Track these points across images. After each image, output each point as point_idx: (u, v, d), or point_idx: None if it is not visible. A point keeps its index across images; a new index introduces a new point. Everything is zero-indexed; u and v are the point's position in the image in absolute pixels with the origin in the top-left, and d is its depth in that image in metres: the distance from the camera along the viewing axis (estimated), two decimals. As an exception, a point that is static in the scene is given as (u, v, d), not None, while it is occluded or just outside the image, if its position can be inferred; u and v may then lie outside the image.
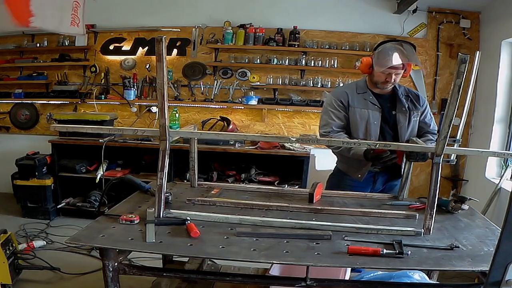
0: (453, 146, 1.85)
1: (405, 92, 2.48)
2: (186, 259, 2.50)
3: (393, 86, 2.42)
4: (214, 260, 2.59)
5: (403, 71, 2.35)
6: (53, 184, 4.23)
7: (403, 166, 2.29)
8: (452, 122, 1.60)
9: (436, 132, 2.47)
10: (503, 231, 1.17)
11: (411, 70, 4.38)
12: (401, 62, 2.26)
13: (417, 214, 1.95)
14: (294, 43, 4.40)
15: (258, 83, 4.54)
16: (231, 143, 4.22)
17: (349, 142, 2.07)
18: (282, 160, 4.25)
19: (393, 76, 2.32)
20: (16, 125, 4.93)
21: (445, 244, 1.63)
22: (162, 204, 1.80)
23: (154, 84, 4.57)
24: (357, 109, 2.39)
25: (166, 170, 1.78)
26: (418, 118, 2.44)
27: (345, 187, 2.49)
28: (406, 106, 2.41)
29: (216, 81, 4.61)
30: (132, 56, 4.70)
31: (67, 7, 3.10)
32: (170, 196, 2.02)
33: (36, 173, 4.10)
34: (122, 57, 4.70)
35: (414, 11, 4.28)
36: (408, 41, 2.38)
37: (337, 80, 4.46)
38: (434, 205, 1.71)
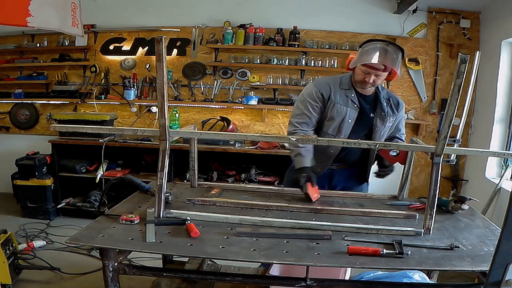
0: (453, 146, 1.85)
1: (386, 96, 2.38)
2: (186, 259, 2.50)
3: (373, 88, 2.32)
4: (214, 260, 2.59)
5: (386, 73, 2.22)
6: (53, 184, 4.23)
7: (403, 167, 2.29)
8: (452, 122, 1.59)
9: (403, 137, 2.50)
10: (503, 231, 1.17)
11: (412, 70, 4.45)
12: (377, 62, 2.15)
13: (417, 214, 1.95)
14: (294, 43, 4.40)
15: (258, 83, 4.54)
16: (231, 143, 4.22)
17: (349, 143, 2.07)
18: (282, 160, 4.23)
19: (372, 77, 2.20)
20: (16, 125, 4.93)
21: (445, 244, 1.63)
22: (162, 204, 1.80)
23: (154, 84, 4.57)
24: (337, 105, 2.29)
25: (166, 170, 1.78)
26: (392, 124, 2.40)
27: (293, 180, 2.40)
28: (386, 111, 2.33)
29: (216, 81, 4.61)
30: (132, 56, 4.70)
31: (67, 7, 3.10)
32: (170, 196, 2.02)
33: (36, 173, 4.10)
34: (122, 57, 4.71)
35: (414, 11, 4.28)
36: (398, 45, 2.27)
37: (337, 80, 4.46)
38: (434, 205, 1.71)
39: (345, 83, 2.35)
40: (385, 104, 2.35)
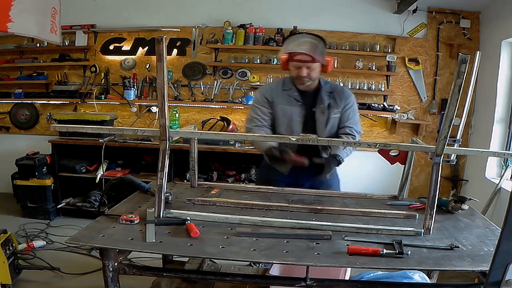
0: (453, 146, 1.85)
1: (330, 89, 2.43)
2: (186, 259, 2.50)
3: (312, 82, 2.36)
4: (214, 260, 2.59)
5: (317, 64, 2.29)
6: (53, 184, 4.23)
7: (403, 167, 2.29)
8: (452, 122, 1.59)
9: (353, 130, 2.43)
10: (503, 231, 1.17)
11: (412, 70, 4.45)
12: (295, 51, 2.23)
13: (417, 214, 1.95)
14: (294, 43, 4.40)
15: (258, 83, 4.54)
16: (231, 143, 4.22)
17: (349, 143, 2.07)
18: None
19: (305, 70, 2.27)
20: (16, 125, 4.93)
21: (445, 244, 1.63)
22: (162, 204, 1.80)
23: (154, 84, 4.57)
24: (280, 106, 2.39)
25: (166, 170, 1.78)
26: (339, 116, 2.42)
27: (271, 181, 2.48)
28: (327, 103, 2.38)
29: (216, 81, 4.61)
30: (132, 56, 4.70)
31: (47, 13, 3.07)
32: (170, 196, 2.02)
33: (36, 173, 4.10)
34: (122, 57, 4.70)
35: (414, 11, 4.28)
36: (317, 35, 2.36)
37: (337, 80, 4.46)
38: (434, 205, 1.71)
39: (286, 84, 2.44)
40: (326, 97, 2.39)
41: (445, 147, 1.67)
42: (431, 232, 1.74)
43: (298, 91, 2.40)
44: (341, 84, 4.28)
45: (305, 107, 2.38)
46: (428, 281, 2.20)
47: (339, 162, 2.36)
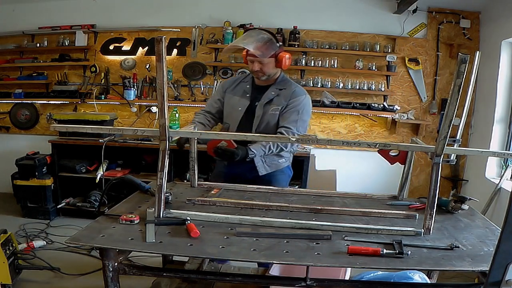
0: (453, 146, 1.85)
1: (282, 86, 2.48)
2: (186, 259, 2.50)
3: (266, 77, 2.44)
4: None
5: (270, 60, 2.37)
6: (53, 184, 4.23)
7: (403, 167, 2.29)
8: (452, 122, 1.59)
9: (289, 131, 2.39)
10: (503, 231, 1.17)
11: (412, 70, 4.45)
12: (235, 45, 2.39)
13: (417, 214, 1.95)
14: (294, 43, 4.40)
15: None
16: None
17: (349, 143, 2.07)
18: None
19: (257, 65, 2.37)
20: (16, 125, 4.93)
21: (445, 244, 1.63)
22: (162, 204, 1.80)
23: (154, 84, 4.57)
24: (230, 95, 2.55)
25: (166, 170, 1.78)
26: (278, 113, 2.45)
27: (220, 174, 2.58)
28: (269, 99, 2.45)
29: (216, 81, 4.60)
30: (132, 56, 4.70)
31: None
32: (170, 196, 2.02)
33: (36, 173, 4.10)
34: (122, 57, 4.70)
35: (414, 11, 4.28)
36: (265, 29, 2.48)
37: (337, 80, 4.46)
38: (434, 205, 1.71)
39: (247, 78, 2.59)
40: (272, 93, 2.47)
41: (445, 147, 1.67)
42: (431, 232, 1.74)
43: (251, 85, 2.53)
44: (337, 88, 4.36)
45: (251, 100, 2.49)
46: (428, 281, 2.20)
47: (247, 154, 2.31)
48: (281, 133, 2.39)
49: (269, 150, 2.40)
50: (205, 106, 2.73)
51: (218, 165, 2.70)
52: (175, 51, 4.62)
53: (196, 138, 2.25)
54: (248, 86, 2.52)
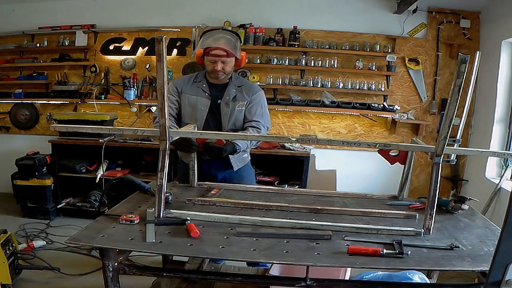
0: (453, 146, 1.85)
1: (239, 83, 2.56)
2: (186, 259, 2.50)
3: (226, 76, 2.49)
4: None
5: (232, 59, 2.42)
6: (53, 184, 4.23)
7: (403, 167, 2.29)
8: (452, 122, 1.59)
9: (260, 124, 2.51)
10: (503, 231, 1.17)
11: (412, 70, 4.45)
12: (212, 46, 2.35)
13: (417, 214, 1.95)
14: (294, 43, 4.40)
15: (258, 83, 4.53)
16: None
17: (349, 143, 2.07)
18: (282, 160, 4.25)
19: (220, 64, 2.39)
20: (16, 125, 4.93)
21: (445, 244, 1.63)
22: (162, 204, 1.80)
23: (154, 84, 4.57)
24: (187, 95, 2.53)
25: (166, 170, 1.78)
26: (244, 108, 2.53)
27: (184, 172, 2.53)
28: (232, 96, 2.50)
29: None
30: (132, 56, 4.70)
31: None
32: (170, 196, 2.02)
33: (36, 173, 4.10)
34: (122, 57, 4.70)
35: (414, 11, 4.28)
36: (232, 31, 2.54)
37: (337, 80, 4.46)
38: (434, 205, 1.71)
39: (199, 77, 2.59)
40: (233, 90, 2.52)
41: (445, 147, 1.67)
42: (431, 232, 1.74)
43: (207, 84, 2.54)
44: (337, 88, 4.35)
45: (212, 98, 2.51)
46: (428, 282, 2.20)
47: (235, 148, 2.40)
48: (253, 127, 2.50)
49: (251, 143, 2.53)
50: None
51: (182, 169, 2.63)
52: (175, 51, 4.62)
53: (196, 139, 2.26)
54: (204, 85, 2.53)
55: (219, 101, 2.52)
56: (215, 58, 2.39)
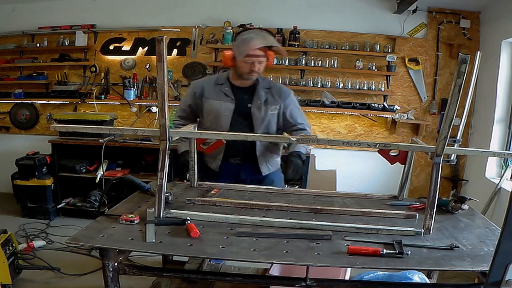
0: (453, 146, 1.85)
1: (267, 85, 2.47)
2: (186, 259, 2.50)
3: (255, 78, 2.41)
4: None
5: (265, 59, 2.36)
6: (53, 184, 4.23)
7: (403, 167, 2.29)
8: (452, 122, 1.59)
9: (305, 126, 2.50)
10: (503, 231, 1.17)
11: (412, 70, 4.45)
12: (263, 45, 2.27)
13: (417, 214, 1.95)
14: (294, 43, 4.40)
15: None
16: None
17: (349, 143, 2.07)
18: (282, 160, 4.23)
19: (257, 65, 2.32)
20: (16, 125, 4.93)
21: (445, 244, 1.63)
22: (162, 204, 1.80)
23: (154, 84, 4.58)
24: (209, 100, 2.44)
25: (166, 170, 1.78)
26: (277, 112, 2.46)
27: (207, 178, 2.50)
28: (263, 99, 2.41)
29: (216, 81, 4.60)
30: (132, 56, 4.70)
31: None
32: (170, 196, 2.02)
33: (36, 173, 4.10)
34: (122, 57, 4.71)
35: (414, 11, 4.28)
36: (266, 30, 2.44)
37: (337, 80, 4.46)
38: (434, 205, 1.71)
39: (221, 79, 2.49)
40: (263, 93, 2.42)
41: (445, 147, 1.67)
42: (431, 232, 1.74)
43: (230, 87, 2.44)
44: (337, 88, 4.39)
45: (237, 102, 2.42)
46: (428, 282, 2.20)
47: (302, 160, 2.37)
48: (301, 129, 2.45)
49: (306, 148, 2.51)
50: (178, 111, 2.65)
51: (207, 176, 2.57)
52: (175, 51, 4.62)
53: (196, 139, 2.25)
54: (227, 88, 2.43)
55: (249, 105, 2.41)
56: (253, 59, 2.29)
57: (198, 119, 2.55)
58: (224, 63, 2.45)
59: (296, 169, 2.38)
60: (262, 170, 2.49)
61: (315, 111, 4.53)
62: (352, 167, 4.64)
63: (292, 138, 1.83)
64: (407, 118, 4.47)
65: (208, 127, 2.44)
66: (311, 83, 4.47)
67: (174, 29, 4.58)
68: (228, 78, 2.47)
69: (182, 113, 2.59)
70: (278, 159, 2.61)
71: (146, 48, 4.66)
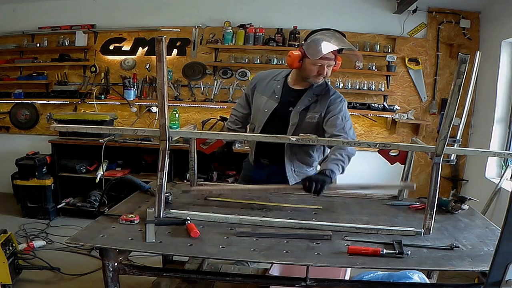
0: (453, 146, 1.85)
1: (318, 92, 2.30)
2: (186, 259, 2.50)
3: (321, 82, 2.29)
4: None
5: (334, 63, 2.23)
6: (53, 184, 4.23)
7: (403, 167, 2.29)
8: (452, 122, 1.59)
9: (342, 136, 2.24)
10: (503, 231, 1.17)
11: (412, 70, 4.45)
12: (337, 48, 2.12)
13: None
14: (294, 43, 4.40)
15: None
16: (231, 143, 4.21)
17: (349, 143, 2.07)
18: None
19: (326, 69, 2.19)
20: (16, 125, 4.92)
21: (445, 244, 1.63)
22: (162, 204, 1.80)
23: (154, 84, 4.57)
24: (258, 94, 2.39)
25: (166, 170, 1.78)
26: (317, 121, 2.27)
27: (246, 177, 2.52)
28: (305, 106, 2.27)
29: (216, 81, 4.60)
30: (132, 56, 4.70)
31: None
32: (170, 196, 2.02)
33: (36, 173, 4.10)
34: (122, 57, 4.70)
35: (414, 11, 4.28)
36: (338, 30, 2.27)
37: (337, 80, 4.46)
38: (434, 205, 1.71)
39: (281, 76, 2.39)
40: (308, 99, 2.28)
41: (445, 147, 1.67)
42: (431, 232, 1.74)
43: (283, 86, 2.33)
44: (337, 88, 4.26)
45: (281, 103, 2.30)
46: (428, 282, 2.20)
47: (330, 179, 2.05)
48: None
49: (346, 163, 2.23)
50: (234, 107, 2.67)
51: (245, 168, 2.60)
52: (175, 51, 4.62)
53: (195, 139, 2.25)
54: (278, 87, 2.31)
55: (290, 108, 2.28)
56: (324, 62, 2.17)
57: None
58: (289, 64, 2.27)
59: (313, 182, 1.98)
60: (288, 177, 2.34)
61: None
62: (352, 167, 4.60)
63: (292, 138, 1.83)
64: (407, 118, 4.47)
65: (250, 122, 2.45)
66: (311, 83, 4.47)
67: (174, 29, 4.58)
68: (287, 76, 2.36)
69: (239, 107, 2.58)
70: (310, 171, 2.41)
71: (146, 48, 4.65)
